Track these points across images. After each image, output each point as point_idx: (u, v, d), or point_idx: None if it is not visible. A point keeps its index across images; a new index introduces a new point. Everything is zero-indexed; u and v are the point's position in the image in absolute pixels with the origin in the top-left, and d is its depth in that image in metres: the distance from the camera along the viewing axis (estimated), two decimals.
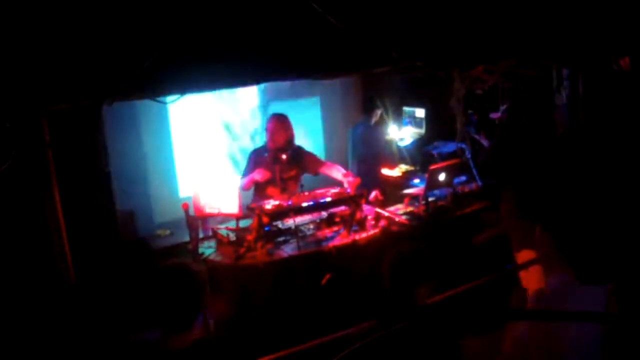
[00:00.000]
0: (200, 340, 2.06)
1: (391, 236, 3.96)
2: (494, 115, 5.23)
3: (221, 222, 4.19)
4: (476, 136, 5.25)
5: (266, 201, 3.98)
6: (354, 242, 3.82)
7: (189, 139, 5.94)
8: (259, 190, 4.41)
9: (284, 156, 4.28)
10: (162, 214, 5.67)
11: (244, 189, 4.32)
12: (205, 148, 6.04)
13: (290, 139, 4.36)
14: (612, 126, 4.57)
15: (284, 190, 4.30)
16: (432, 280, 2.52)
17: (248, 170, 4.42)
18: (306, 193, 4.12)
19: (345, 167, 6.16)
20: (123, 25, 3.01)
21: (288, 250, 3.71)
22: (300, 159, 4.50)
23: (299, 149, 4.54)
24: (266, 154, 4.38)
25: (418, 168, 5.75)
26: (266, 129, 4.43)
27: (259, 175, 4.25)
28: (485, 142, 5.22)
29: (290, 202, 3.86)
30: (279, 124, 4.35)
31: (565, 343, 1.80)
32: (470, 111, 5.38)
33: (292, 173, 4.40)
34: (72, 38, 2.92)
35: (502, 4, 4.01)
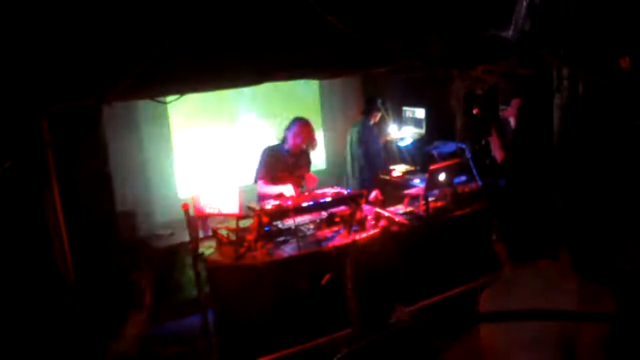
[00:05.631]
0: (200, 339, 2.07)
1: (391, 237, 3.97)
2: (508, 113, 5.19)
3: (221, 222, 4.20)
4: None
5: (266, 201, 3.99)
6: (354, 242, 3.82)
7: (189, 140, 5.94)
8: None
9: (298, 156, 4.52)
10: (162, 214, 5.67)
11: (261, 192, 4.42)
12: (205, 148, 6.04)
13: (310, 142, 4.56)
14: (611, 126, 4.57)
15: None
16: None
17: (263, 166, 4.48)
18: (306, 193, 4.11)
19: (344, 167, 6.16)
20: (123, 25, 3.01)
21: (288, 250, 3.71)
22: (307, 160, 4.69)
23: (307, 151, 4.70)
24: (285, 153, 4.49)
25: (418, 168, 5.75)
26: (290, 131, 4.50)
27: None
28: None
29: (289, 202, 3.87)
30: (304, 128, 4.46)
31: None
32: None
33: (302, 172, 4.57)
34: (72, 38, 2.91)
35: (501, 4, 4.01)
